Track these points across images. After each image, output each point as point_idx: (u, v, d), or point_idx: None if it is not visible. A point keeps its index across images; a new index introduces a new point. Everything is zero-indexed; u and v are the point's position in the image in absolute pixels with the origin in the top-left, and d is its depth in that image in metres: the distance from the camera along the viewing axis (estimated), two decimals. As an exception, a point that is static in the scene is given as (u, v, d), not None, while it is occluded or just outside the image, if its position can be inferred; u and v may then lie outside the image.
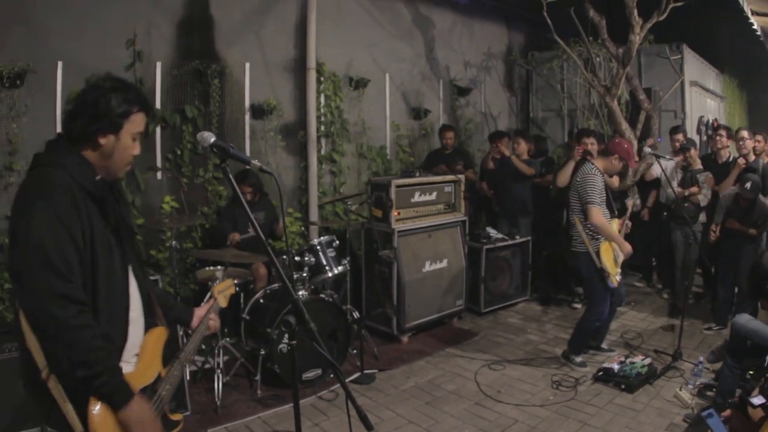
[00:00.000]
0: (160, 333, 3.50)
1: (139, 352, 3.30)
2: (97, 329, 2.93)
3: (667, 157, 9.95)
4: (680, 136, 10.84)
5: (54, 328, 2.81)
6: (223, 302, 4.09)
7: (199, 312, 3.88)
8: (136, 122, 3.24)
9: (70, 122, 3.13)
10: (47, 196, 2.90)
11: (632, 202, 8.75)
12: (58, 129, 7.54)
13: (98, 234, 3.06)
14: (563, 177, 9.65)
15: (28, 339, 2.95)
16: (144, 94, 3.34)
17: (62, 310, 2.80)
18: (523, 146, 11.06)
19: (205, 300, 4.06)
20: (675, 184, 9.79)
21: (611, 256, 7.67)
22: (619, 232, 8.01)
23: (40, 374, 2.93)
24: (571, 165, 9.60)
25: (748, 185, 8.58)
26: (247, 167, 3.48)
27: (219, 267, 7.56)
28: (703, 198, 9.70)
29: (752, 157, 9.66)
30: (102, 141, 3.13)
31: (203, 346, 7.69)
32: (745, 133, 9.78)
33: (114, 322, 3.14)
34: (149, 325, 3.44)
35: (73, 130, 3.13)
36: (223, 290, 4.17)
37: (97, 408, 2.93)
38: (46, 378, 2.92)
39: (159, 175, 8.84)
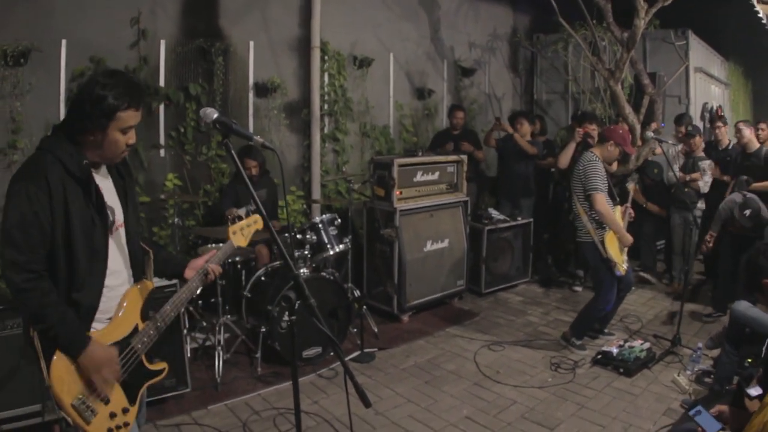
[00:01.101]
0: (142, 287, 3.75)
1: (117, 307, 3.59)
2: (50, 292, 3.27)
3: (670, 141, 9.94)
4: (683, 128, 10.84)
5: (12, 290, 3.23)
6: (238, 241, 4.14)
7: (195, 263, 3.97)
8: (123, 119, 3.38)
9: (67, 115, 3.44)
10: (26, 178, 3.25)
11: (633, 185, 8.72)
12: (62, 107, 7.65)
13: (77, 212, 3.32)
14: (564, 158, 9.64)
15: None
16: (138, 89, 3.50)
17: (16, 276, 3.20)
18: (526, 127, 11.05)
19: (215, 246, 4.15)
20: (677, 168, 9.80)
21: (616, 245, 7.68)
22: (622, 219, 8.02)
23: (30, 331, 3.32)
24: (572, 146, 9.60)
25: (747, 212, 8.56)
26: (251, 143, 3.51)
27: (221, 245, 7.58)
28: (704, 185, 9.71)
29: (756, 145, 9.66)
30: (89, 137, 3.37)
31: (204, 323, 7.72)
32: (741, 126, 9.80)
33: (92, 288, 3.44)
34: (138, 280, 3.78)
35: (67, 123, 3.42)
36: (241, 229, 4.19)
37: (56, 360, 3.25)
38: (32, 334, 3.30)
39: (162, 152, 8.86)
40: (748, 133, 9.65)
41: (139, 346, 3.58)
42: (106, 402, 3.41)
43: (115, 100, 3.29)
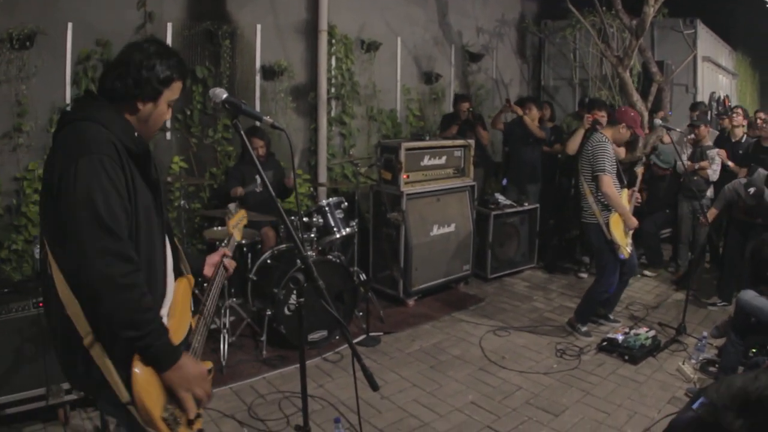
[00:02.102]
0: (187, 283, 3.50)
1: (171, 305, 3.24)
2: (146, 289, 2.87)
3: (679, 129, 9.91)
4: (696, 114, 10.83)
5: (103, 287, 2.72)
6: (238, 236, 4.07)
7: (212, 259, 3.82)
8: (174, 90, 3.25)
9: (111, 82, 3.08)
10: (94, 149, 2.82)
11: (642, 169, 8.69)
12: (68, 90, 7.61)
13: (140, 190, 3.00)
14: (573, 145, 9.62)
15: (69, 306, 2.84)
16: (184, 62, 3.31)
17: (111, 268, 2.73)
18: (534, 112, 11.02)
19: (224, 243, 4.01)
20: (685, 158, 9.78)
21: (621, 228, 7.66)
22: (629, 202, 8.00)
23: (82, 342, 2.84)
24: (580, 133, 9.58)
25: (751, 190, 8.56)
26: (258, 124, 3.48)
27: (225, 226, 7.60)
28: (713, 173, 9.68)
29: None
30: (140, 106, 3.12)
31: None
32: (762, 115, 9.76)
33: (154, 279, 3.10)
34: (178, 275, 3.44)
35: (114, 90, 3.07)
36: (237, 223, 4.17)
37: (140, 372, 2.85)
38: (89, 345, 2.84)
39: (168, 135, 8.85)
40: None
41: (197, 345, 3.36)
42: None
43: (171, 69, 3.17)
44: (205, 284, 3.72)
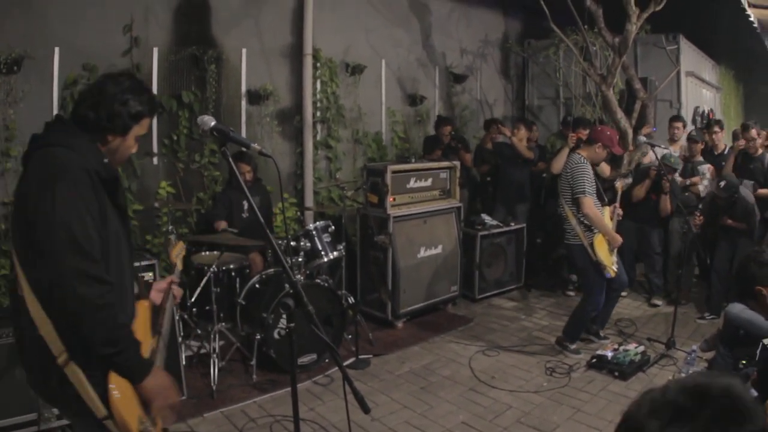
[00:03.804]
0: (146, 306, 3.58)
1: (134, 326, 3.30)
2: (119, 308, 3.01)
3: (662, 146, 9.97)
4: (680, 124, 10.91)
5: (81, 308, 2.83)
6: (180, 265, 4.12)
7: (158, 285, 3.88)
8: (143, 126, 3.34)
9: (85, 111, 3.18)
10: (67, 175, 2.92)
11: (621, 183, 8.74)
12: (55, 114, 7.59)
13: (110, 216, 3.10)
14: (557, 164, 9.64)
15: (41, 326, 2.92)
16: (155, 98, 3.42)
17: (90, 289, 2.84)
18: (523, 132, 11.07)
19: (174, 273, 4.05)
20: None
21: (606, 248, 7.69)
22: (611, 219, 8.04)
23: (56, 361, 2.93)
24: (565, 152, 9.60)
25: (722, 183, 8.67)
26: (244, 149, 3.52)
27: (215, 252, 7.62)
28: (704, 189, 9.77)
29: (759, 151, 9.74)
30: (110, 138, 3.23)
31: (199, 331, 7.70)
32: (753, 133, 9.85)
33: (124, 301, 3.22)
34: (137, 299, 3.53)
35: (86, 120, 3.17)
36: (178, 253, 4.21)
37: (116, 388, 2.97)
38: (63, 364, 2.93)
39: (155, 160, 8.85)
40: (758, 143, 9.74)
41: (159, 363, 3.43)
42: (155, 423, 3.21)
43: (142, 105, 3.26)
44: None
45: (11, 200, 7.55)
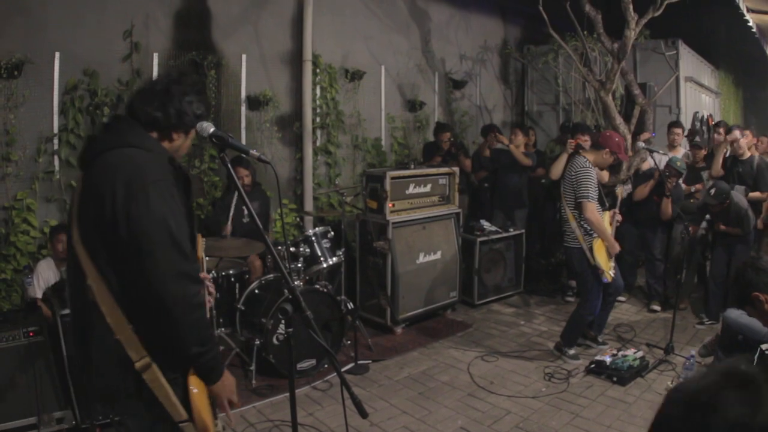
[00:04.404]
0: None
1: None
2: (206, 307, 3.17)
3: (661, 151, 9.98)
4: (679, 130, 10.92)
5: (178, 306, 2.89)
6: (204, 261, 4.15)
7: None
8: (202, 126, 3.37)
9: (152, 111, 3.21)
10: (157, 176, 2.98)
11: (621, 189, 8.74)
12: (55, 119, 7.65)
13: (186, 214, 3.15)
14: (556, 170, 9.63)
15: (118, 331, 2.94)
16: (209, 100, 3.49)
17: (187, 289, 2.92)
18: (521, 138, 11.10)
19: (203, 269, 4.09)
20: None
21: (604, 252, 7.68)
22: (611, 224, 8.05)
23: (134, 366, 2.94)
24: (564, 158, 9.58)
25: (712, 191, 8.70)
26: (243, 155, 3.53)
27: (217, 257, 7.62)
28: None
29: (747, 154, 9.75)
30: (175, 137, 3.30)
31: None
32: (737, 134, 9.85)
33: None
34: None
35: (154, 119, 3.21)
36: (202, 249, 4.23)
37: (197, 391, 3.07)
38: (142, 369, 2.95)
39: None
40: (743, 142, 9.74)
41: None
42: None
43: (204, 105, 3.36)
44: None
45: (11, 205, 7.59)
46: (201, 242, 4.25)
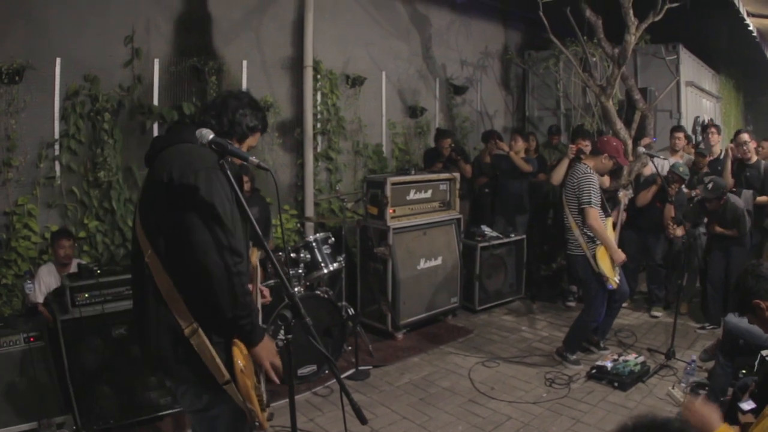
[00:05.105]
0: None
1: None
2: (247, 278, 3.50)
3: (662, 156, 9.98)
4: (681, 134, 10.92)
5: (218, 274, 3.26)
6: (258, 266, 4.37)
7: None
8: (255, 138, 3.85)
9: (207, 118, 3.69)
10: (211, 167, 3.36)
11: (624, 193, 8.72)
12: (56, 125, 7.67)
13: (233, 205, 3.46)
14: (557, 175, 9.64)
15: (170, 302, 3.35)
16: (267, 117, 3.88)
17: (227, 259, 3.29)
18: (520, 144, 11.09)
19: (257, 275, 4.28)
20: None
21: (608, 259, 7.68)
22: (614, 226, 8.04)
23: (183, 333, 3.34)
24: (565, 163, 9.59)
25: (709, 185, 8.70)
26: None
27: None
28: None
29: (755, 158, 9.76)
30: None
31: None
32: (745, 136, 9.85)
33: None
34: None
35: (210, 126, 3.57)
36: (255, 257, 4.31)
37: (240, 355, 3.42)
38: (190, 334, 3.34)
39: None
40: (752, 146, 9.77)
41: None
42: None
43: (258, 120, 3.78)
44: None
45: (12, 210, 7.60)
46: (256, 253, 4.36)
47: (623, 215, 8.36)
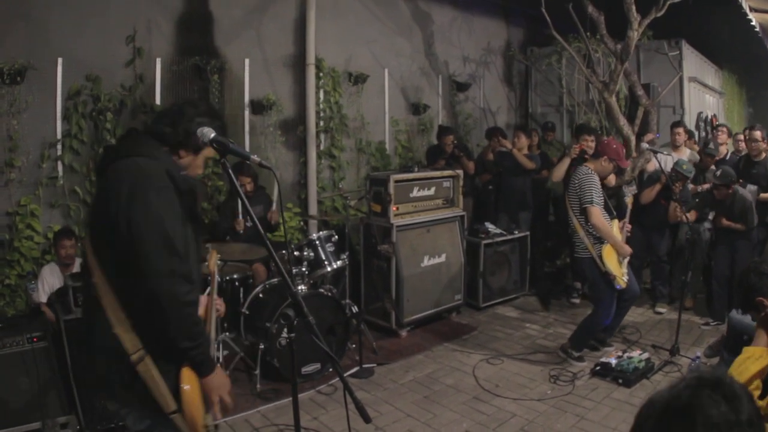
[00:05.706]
0: (204, 307, 3.92)
1: None
2: (197, 307, 3.38)
3: (665, 152, 9.95)
4: (681, 130, 10.89)
5: (171, 304, 3.11)
6: (217, 274, 4.23)
7: (201, 299, 3.92)
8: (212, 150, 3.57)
9: (163, 127, 3.49)
10: (158, 183, 3.20)
11: (631, 198, 8.69)
12: (58, 125, 7.66)
13: (183, 221, 3.31)
14: (558, 173, 9.65)
15: (117, 325, 3.17)
16: (226, 126, 3.62)
17: (179, 287, 3.14)
18: (523, 141, 11.07)
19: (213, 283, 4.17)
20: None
21: (615, 258, 7.66)
22: (620, 234, 8.01)
23: (129, 358, 3.16)
24: (566, 161, 9.59)
25: (718, 173, 8.71)
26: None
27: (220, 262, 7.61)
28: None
29: (762, 155, 9.73)
30: (183, 154, 3.52)
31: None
32: (757, 134, 9.82)
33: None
34: None
35: (164, 135, 3.46)
36: (214, 263, 4.38)
37: (188, 385, 3.25)
38: (136, 362, 3.16)
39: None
40: (762, 145, 9.74)
41: None
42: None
43: (216, 130, 3.46)
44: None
45: (14, 210, 7.60)
46: (215, 256, 4.35)
47: (628, 227, 8.32)
